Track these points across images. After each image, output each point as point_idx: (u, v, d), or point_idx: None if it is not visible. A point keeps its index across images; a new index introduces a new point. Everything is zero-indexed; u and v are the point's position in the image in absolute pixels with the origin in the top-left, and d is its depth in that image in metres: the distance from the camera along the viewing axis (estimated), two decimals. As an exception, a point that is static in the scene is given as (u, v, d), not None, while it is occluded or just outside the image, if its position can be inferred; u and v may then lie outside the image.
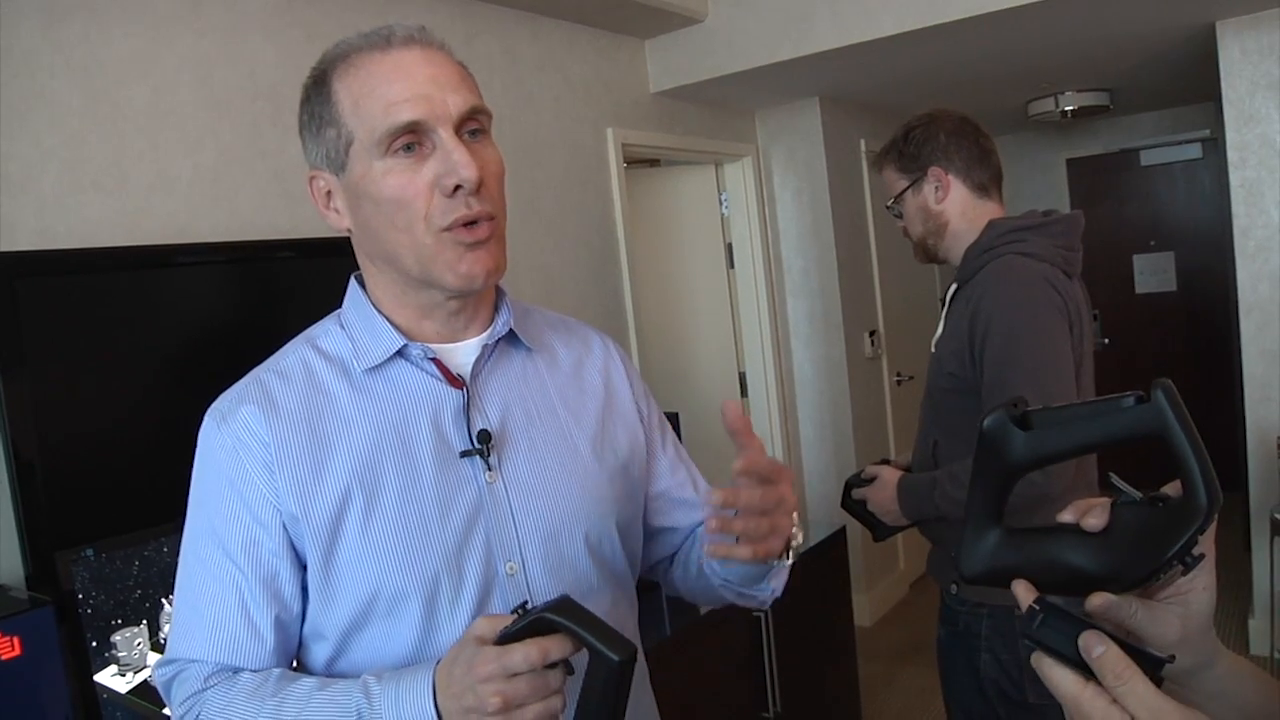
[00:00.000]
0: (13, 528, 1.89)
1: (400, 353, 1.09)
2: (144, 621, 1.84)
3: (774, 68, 3.71)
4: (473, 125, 1.04)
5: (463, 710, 0.88)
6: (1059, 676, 0.67)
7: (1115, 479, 0.75)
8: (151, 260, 2.13)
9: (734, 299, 4.63)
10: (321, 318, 1.17)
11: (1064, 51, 4.04)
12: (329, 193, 1.08)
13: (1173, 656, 0.67)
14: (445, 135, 1.01)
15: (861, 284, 4.79)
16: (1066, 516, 0.76)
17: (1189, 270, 6.05)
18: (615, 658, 0.85)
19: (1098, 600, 0.71)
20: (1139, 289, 6.23)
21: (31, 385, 1.87)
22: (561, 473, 1.13)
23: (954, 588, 1.96)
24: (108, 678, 1.78)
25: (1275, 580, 3.67)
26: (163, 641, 1.85)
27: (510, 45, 3.28)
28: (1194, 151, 5.92)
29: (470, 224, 1.02)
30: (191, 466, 1.09)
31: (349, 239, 1.12)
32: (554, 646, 0.87)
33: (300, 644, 1.09)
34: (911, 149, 2.02)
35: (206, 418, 1.08)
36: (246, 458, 1.03)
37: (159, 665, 1.07)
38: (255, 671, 1.02)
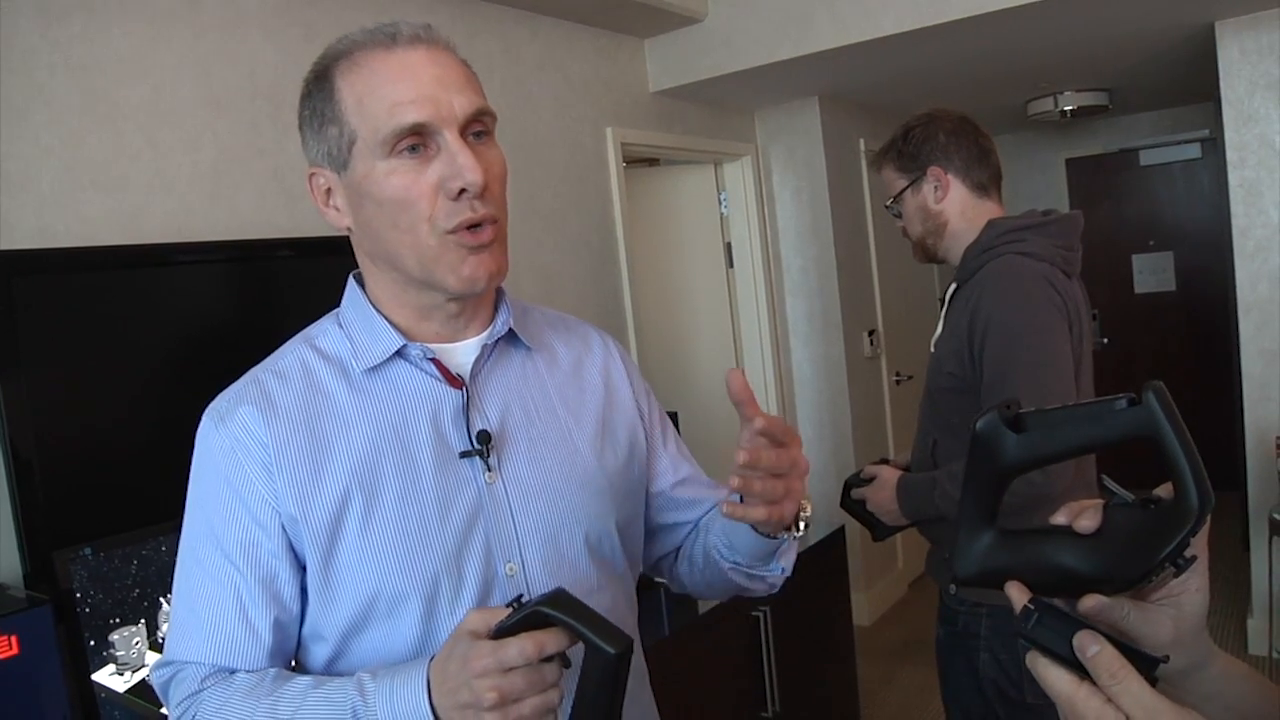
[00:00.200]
0: (11, 526, 1.88)
1: (399, 353, 1.08)
2: (142, 620, 1.84)
3: (773, 67, 3.71)
4: (477, 127, 1.03)
5: (458, 706, 0.87)
6: (1054, 676, 0.68)
7: (1107, 481, 0.76)
8: (150, 259, 2.12)
9: (733, 298, 4.63)
10: (320, 317, 1.17)
11: (1063, 51, 4.05)
12: (329, 190, 1.07)
13: (1167, 657, 0.68)
14: (451, 138, 1.00)
15: (861, 283, 4.79)
16: (1059, 518, 0.76)
17: (1188, 270, 6.06)
18: (611, 651, 0.84)
19: (1090, 602, 0.72)
20: (1138, 289, 6.23)
21: (29, 384, 1.87)
22: (561, 473, 1.12)
23: (953, 587, 1.95)
24: (106, 677, 1.78)
25: (1274, 580, 3.68)
26: (161, 640, 1.84)
27: (510, 44, 3.28)
28: (1193, 151, 5.93)
29: (474, 227, 1.02)
30: (190, 465, 1.09)
31: (348, 238, 1.11)
32: (549, 640, 0.86)
33: (299, 645, 1.09)
34: (911, 148, 2.02)
35: (204, 418, 1.08)
36: (245, 459, 1.03)
37: (156, 667, 1.07)
38: (252, 672, 1.02)
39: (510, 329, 1.15)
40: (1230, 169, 3.81)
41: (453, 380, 1.09)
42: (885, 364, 4.97)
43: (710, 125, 4.33)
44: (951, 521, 1.84)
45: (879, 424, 4.92)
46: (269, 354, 1.14)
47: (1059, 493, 1.64)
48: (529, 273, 3.24)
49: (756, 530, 1.08)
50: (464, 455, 1.07)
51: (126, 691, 1.80)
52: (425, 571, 1.03)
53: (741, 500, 1.01)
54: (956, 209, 2.00)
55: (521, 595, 0.91)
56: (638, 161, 4.43)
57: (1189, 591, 0.73)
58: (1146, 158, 6.09)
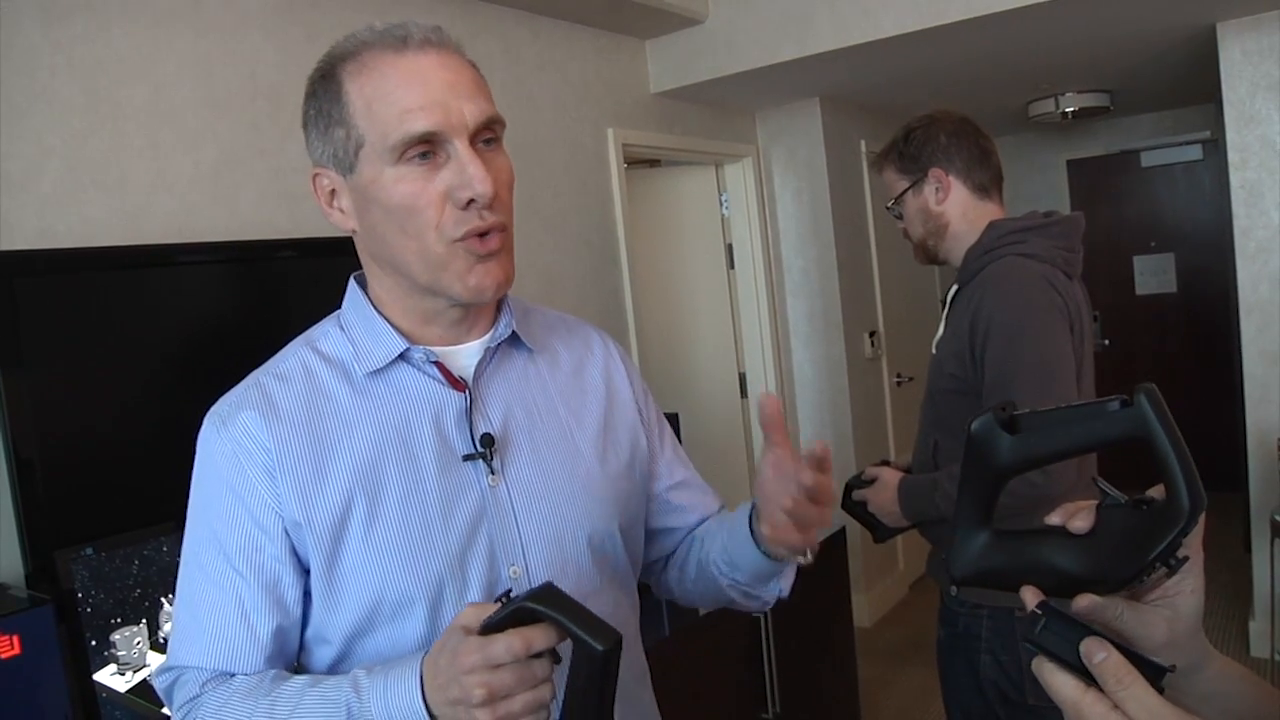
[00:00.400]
0: (12, 526, 1.89)
1: (402, 356, 1.08)
2: (143, 620, 1.84)
3: (774, 68, 3.71)
4: (487, 134, 1.02)
5: (449, 702, 0.87)
6: (1060, 682, 0.67)
7: (1100, 482, 0.76)
8: (151, 259, 2.13)
9: (734, 299, 4.63)
10: (322, 318, 1.16)
11: (1064, 53, 4.05)
12: (333, 192, 1.06)
13: (1174, 665, 0.68)
14: (461, 147, 0.99)
15: (862, 284, 4.79)
16: (1054, 519, 0.76)
17: (1189, 271, 6.06)
18: (599, 647, 0.84)
19: (1083, 602, 0.72)
20: (1139, 290, 6.23)
21: (31, 384, 1.87)
22: (564, 475, 1.12)
23: (954, 589, 1.95)
24: (107, 677, 1.78)
25: (1275, 582, 3.67)
26: (162, 641, 1.85)
27: (511, 45, 3.28)
28: (1194, 153, 5.92)
29: (482, 234, 1.01)
30: (191, 466, 1.08)
31: (349, 239, 1.11)
32: (537, 637, 0.85)
33: (304, 648, 1.08)
34: (912, 150, 2.02)
35: (206, 422, 1.07)
36: (247, 463, 1.02)
37: (159, 672, 1.07)
38: (251, 674, 1.01)
39: (513, 331, 1.14)
40: (1231, 170, 3.81)
41: (455, 383, 1.09)
42: (886, 365, 4.97)
43: (711, 126, 4.33)
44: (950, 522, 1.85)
45: (879, 425, 4.92)
46: (270, 355, 1.13)
47: (1060, 494, 1.64)
48: (530, 273, 3.24)
49: (762, 551, 1.09)
50: (467, 458, 1.06)
51: (128, 691, 1.80)
52: (429, 575, 1.03)
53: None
54: (958, 210, 2.00)
55: (510, 590, 0.91)
56: (639, 162, 4.43)
57: (1184, 593, 0.73)
58: (1148, 159, 6.09)
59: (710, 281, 4.62)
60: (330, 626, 1.05)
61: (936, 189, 2.00)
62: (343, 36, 1.04)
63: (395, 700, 0.90)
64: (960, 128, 2.01)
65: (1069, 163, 6.37)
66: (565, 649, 0.87)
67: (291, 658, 1.07)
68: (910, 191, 2.04)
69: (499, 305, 1.15)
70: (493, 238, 1.02)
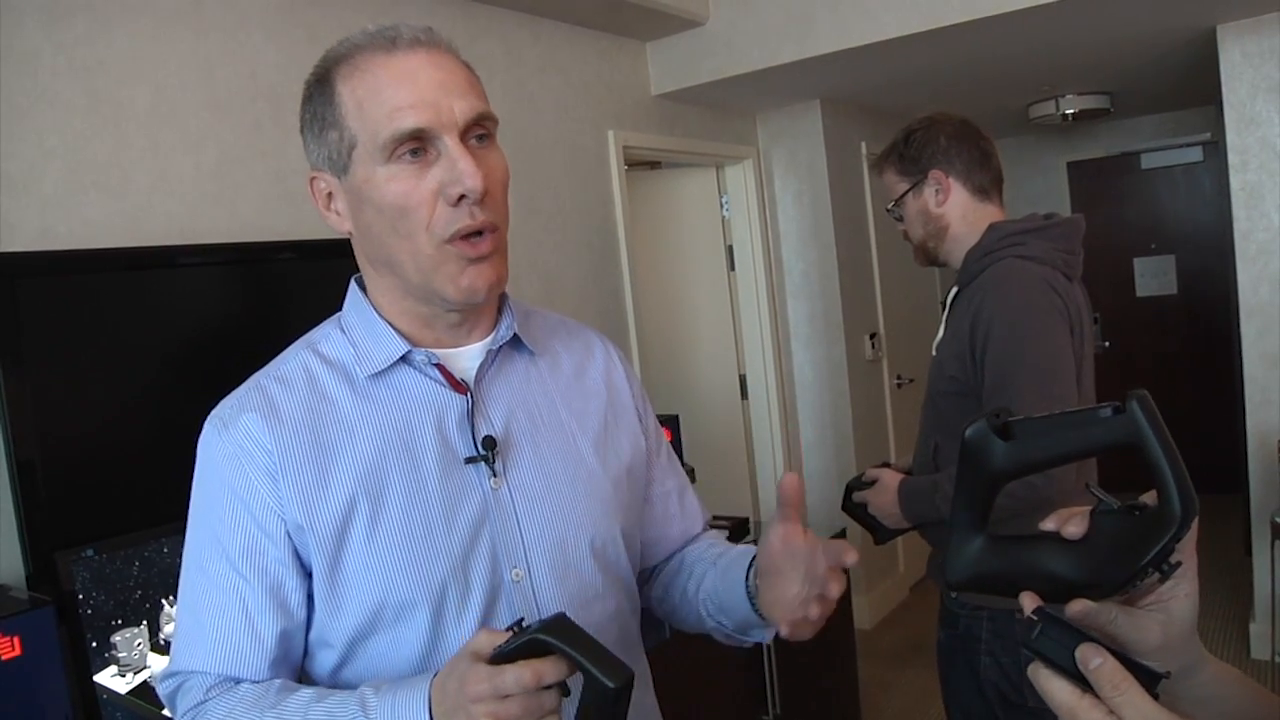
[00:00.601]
0: (13, 527, 1.89)
1: (404, 358, 1.08)
2: (144, 622, 1.84)
3: (775, 70, 3.71)
4: (479, 131, 1.03)
5: None
6: (1056, 687, 0.68)
7: (1094, 487, 0.77)
8: (152, 261, 2.13)
9: (734, 301, 4.63)
10: (322, 319, 1.16)
11: (1065, 55, 4.05)
12: (330, 194, 1.07)
13: (1169, 672, 0.68)
14: (451, 143, 0.99)
15: (862, 286, 4.79)
16: (1048, 525, 0.77)
17: (1190, 273, 6.06)
18: (611, 684, 0.83)
19: (1077, 607, 0.72)
20: (1140, 292, 6.23)
21: (32, 385, 1.87)
22: (566, 478, 1.12)
23: (953, 592, 1.96)
24: (108, 678, 1.78)
25: (1275, 584, 3.67)
26: (163, 642, 1.85)
27: (512, 47, 3.28)
28: (1195, 155, 5.93)
29: (473, 236, 1.01)
30: (192, 467, 1.08)
31: (349, 240, 1.11)
32: (548, 669, 0.84)
33: (305, 652, 1.08)
34: (912, 152, 2.02)
35: (207, 425, 1.07)
36: (249, 466, 1.02)
37: (162, 678, 1.06)
38: (256, 683, 1.01)
39: (514, 334, 1.14)
40: (1232, 172, 3.81)
41: (457, 386, 1.09)
42: (887, 367, 4.97)
43: (712, 128, 4.33)
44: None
45: (880, 427, 4.92)
46: (271, 356, 1.13)
47: (1060, 496, 1.64)
48: (530, 275, 3.24)
49: (755, 609, 1.10)
50: (469, 461, 1.06)
51: (128, 693, 1.80)
52: (432, 578, 1.03)
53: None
54: (958, 212, 2.00)
55: (523, 619, 0.90)
56: (639, 164, 4.43)
57: (1178, 597, 0.73)
58: (1148, 161, 6.09)
59: (711, 283, 4.62)
60: (332, 630, 1.04)
61: (937, 191, 2.01)
62: (338, 41, 1.05)
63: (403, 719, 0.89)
64: (960, 130, 2.01)
65: (1069, 165, 6.37)
66: (574, 682, 0.87)
67: (296, 662, 1.07)
68: (910, 193, 2.04)
69: (500, 307, 1.15)
70: (484, 241, 1.02)
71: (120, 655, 1.80)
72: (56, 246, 2.04)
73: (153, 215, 2.23)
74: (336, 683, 1.06)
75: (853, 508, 2.11)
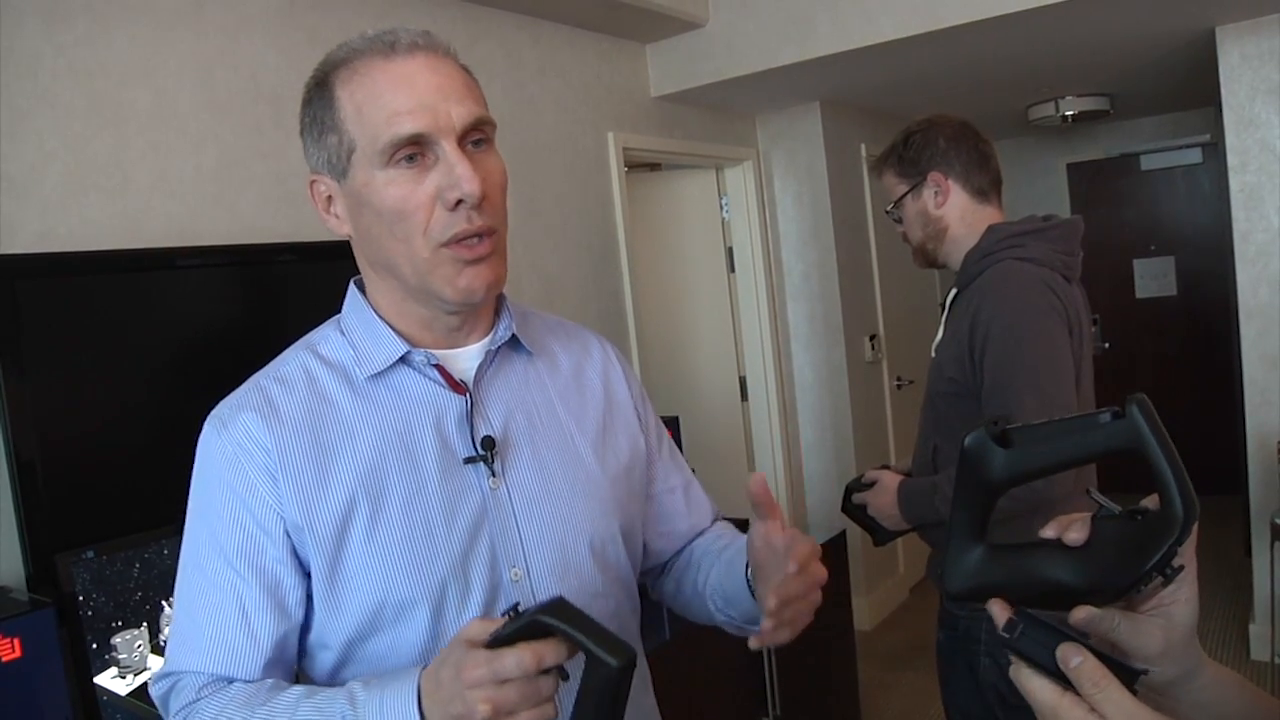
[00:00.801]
0: (13, 529, 1.89)
1: (403, 359, 1.08)
2: (144, 624, 1.84)
3: (775, 72, 3.72)
4: (476, 135, 1.03)
5: (451, 717, 0.84)
6: (1037, 686, 0.69)
7: (1094, 493, 0.76)
8: (152, 263, 2.13)
9: (734, 303, 4.63)
10: (323, 321, 1.17)
11: (1064, 56, 4.05)
12: (329, 197, 1.07)
13: (1147, 669, 0.70)
14: (449, 148, 0.99)
15: (862, 288, 4.80)
16: (1048, 532, 0.77)
17: (1189, 275, 6.06)
18: (613, 663, 0.80)
19: (1081, 614, 0.72)
20: (1139, 294, 6.24)
21: (33, 387, 1.88)
22: (565, 478, 1.12)
23: (954, 600, 1.96)
24: (108, 679, 1.78)
25: (1275, 585, 3.67)
26: (163, 644, 1.85)
27: (512, 49, 3.28)
28: (1194, 156, 5.93)
29: (471, 239, 1.01)
30: (192, 469, 1.08)
31: (350, 242, 1.12)
32: (548, 651, 0.82)
33: (303, 653, 1.08)
34: (911, 154, 2.03)
35: (206, 425, 1.07)
36: (248, 464, 1.02)
37: (156, 680, 1.05)
38: (249, 682, 1.00)
39: (513, 334, 1.15)
40: (1231, 174, 3.81)
41: (456, 386, 1.09)
42: (886, 369, 4.97)
43: (711, 130, 4.34)
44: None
45: (880, 428, 4.92)
46: (271, 358, 1.13)
47: (1060, 498, 1.65)
48: (530, 277, 3.24)
49: (756, 599, 1.10)
50: (468, 461, 1.07)
51: (128, 694, 1.80)
52: (432, 578, 1.03)
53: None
54: (956, 214, 2.00)
55: (519, 604, 0.88)
56: (639, 166, 4.44)
57: (1179, 602, 0.74)
58: (1147, 162, 6.10)
59: (710, 285, 4.62)
60: (331, 631, 1.04)
61: (935, 193, 2.01)
62: (337, 46, 1.05)
63: (391, 714, 0.88)
64: (959, 132, 2.01)
65: (1069, 166, 6.38)
66: (573, 666, 0.85)
67: (291, 664, 1.07)
68: (909, 195, 2.05)
69: (498, 309, 1.16)
70: (482, 243, 1.02)
71: (120, 657, 1.80)
72: (57, 248, 2.04)
73: (153, 217, 2.23)
74: (335, 684, 1.06)
75: (852, 509, 2.11)
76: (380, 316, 1.10)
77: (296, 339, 1.16)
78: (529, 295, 3.12)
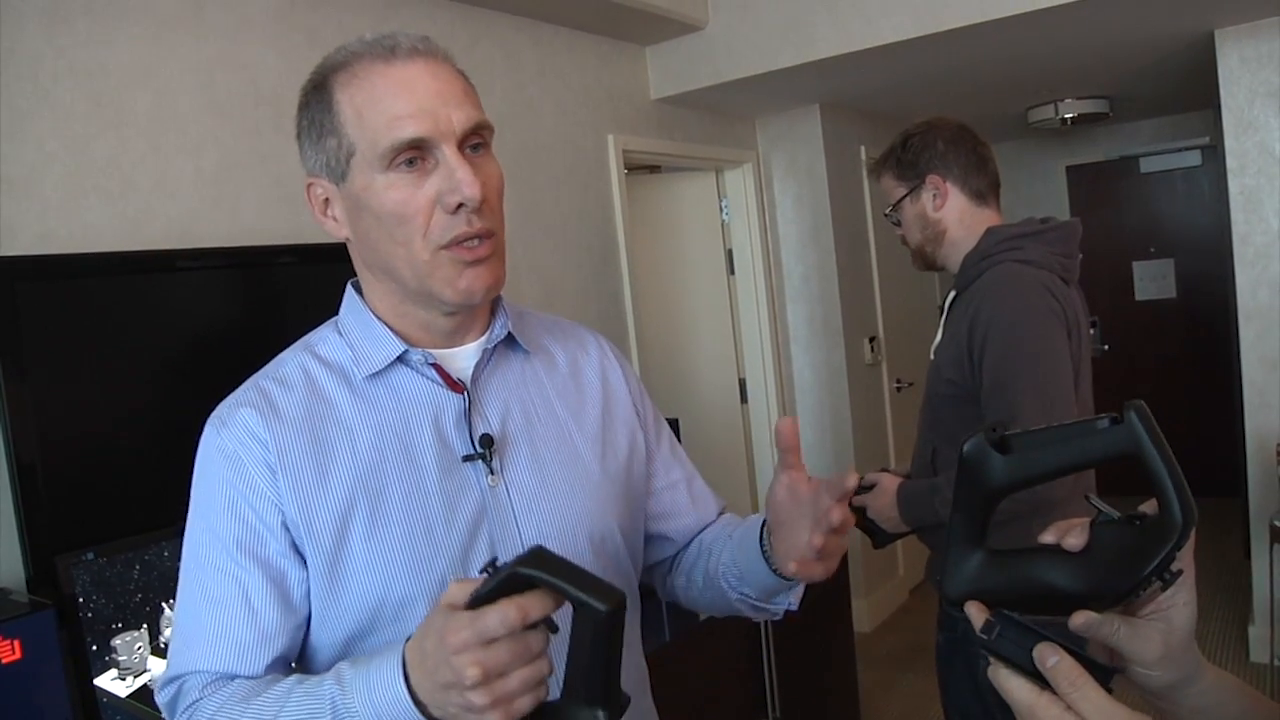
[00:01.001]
0: (14, 531, 1.89)
1: (401, 358, 1.09)
2: (144, 625, 1.84)
3: (774, 75, 3.72)
4: (475, 140, 1.04)
5: (440, 687, 0.81)
6: (1014, 685, 0.70)
7: (1093, 499, 0.77)
8: (153, 265, 2.13)
9: (734, 305, 4.63)
10: (322, 323, 1.17)
11: (1064, 59, 4.06)
12: (327, 200, 1.08)
13: (1122, 667, 0.71)
14: (449, 152, 1.00)
15: (862, 290, 4.80)
16: (1047, 537, 0.77)
17: (1189, 277, 6.06)
18: (602, 607, 0.76)
19: (1080, 619, 0.73)
20: (1139, 296, 6.24)
21: (33, 389, 1.88)
22: (563, 475, 1.13)
23: (954, 606, 1.96)
24: (108, 681, 1.78)
25: (1274, 588, 3.67)
26: (163, 645, 1.85)
27: (511, 51, 3.29)
28: (1193, 159, 5.93)
29: (470, 241, 1.02)
30: (192, 470, 1.08)
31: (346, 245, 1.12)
32: (533, 604, 0.78)
33: (302, 652, 1.08)
34: (909, 157, 2.03)
35: (206, 425, 1.07)
36: (248, 459, 1.02)
37: (161, 686, 1.05)
38: (250, 678, 1.00)
39: (509, 333, 1.15)
40: (1230, 176, 3.81)
41: (454, 385, 1.10)
42: (886, 371, 4.98)
43: (711, 132, 4.34)
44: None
45: (880, 431, 4.92)
46: (270, 359, 1.14)
47: (1059, 499, 1.65)
48: (530, 278, 3.24)
49: (774, 570, 1.09)
50: (467, 459, 1.07)
51: (128, 696, 1.80)
52: (433, 576, 1.03)
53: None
54: (955, 217, 2.01)
55: (496, 558, 0.82)
56: (639, 168, 4.44)
57: (1177, 605, 0.74)
58: (1147, 165, 6.10)
59: (710, 287, 4.63)
60: (330, 629, 1.05)
61: (934, 195, 2.01)
62: (334, 49, 1.06)
63: (379, 692, 0.85)
64: (958, 134, 2.02)
65: (1068, 169, 6.38)
66: (562, 618, 0.81)
67: (294, 657, 1.06)
68: (908, 198, 2.05)
69: (494, 308, 1.16)
70: (482, 245, 1.03)
71: (120, 659, 1.80)
72: (57, 250, 2.04)
73: (153, 219, 2.23)
74: None
75: (851, 511, 2.11)
76: (377, 317, 1.10)
77: (296, 340, 1.16)
78: (529, 297, 3.12)
